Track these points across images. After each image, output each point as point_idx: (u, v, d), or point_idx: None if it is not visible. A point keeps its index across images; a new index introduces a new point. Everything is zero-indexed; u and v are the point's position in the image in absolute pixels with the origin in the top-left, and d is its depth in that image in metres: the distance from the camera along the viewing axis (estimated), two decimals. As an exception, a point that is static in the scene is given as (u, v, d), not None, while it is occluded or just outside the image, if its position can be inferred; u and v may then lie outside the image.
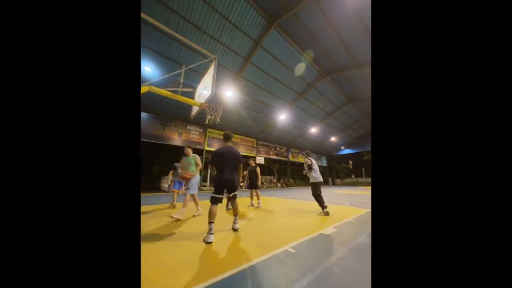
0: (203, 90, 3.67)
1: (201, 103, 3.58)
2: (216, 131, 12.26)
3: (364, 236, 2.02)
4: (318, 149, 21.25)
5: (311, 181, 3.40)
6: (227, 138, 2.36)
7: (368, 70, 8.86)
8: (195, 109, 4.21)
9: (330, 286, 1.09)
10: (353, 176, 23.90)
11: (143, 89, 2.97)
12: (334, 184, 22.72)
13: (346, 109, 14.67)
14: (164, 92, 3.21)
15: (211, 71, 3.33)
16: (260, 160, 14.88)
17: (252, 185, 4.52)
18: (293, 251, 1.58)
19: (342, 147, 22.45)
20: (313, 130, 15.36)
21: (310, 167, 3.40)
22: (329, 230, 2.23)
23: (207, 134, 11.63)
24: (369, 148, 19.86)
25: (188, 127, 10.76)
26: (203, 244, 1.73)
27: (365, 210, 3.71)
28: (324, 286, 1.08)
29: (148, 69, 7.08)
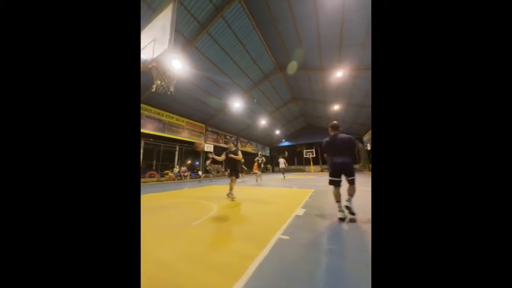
0: (149, 41, 2.57)
1: (147, 60, 2.51)
2: (154, 109, 9.72)
3: (328, 209, 2.34)
4: (264, 139, 23.08)
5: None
6: (335, 128, 2.33)
7: (313, 75, 10.39)
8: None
9: (347, 258, 1.09)
10: (287, 164, 28.59)
11: None
12: (273, 171, 26.03)
13: (290, 106, 16.72)
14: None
15: (168, 15, 2.34)
16: (209, 147, 13.84)
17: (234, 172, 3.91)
18: (286, 237, 1.49)
19: (283, 140, 25.87)
20: (263, 122, 16.29)
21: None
22: (300, 211, 2.38)
23: (141, 111, 8.96)
24: (301, 142, 24.24)
25: (108, 98, 7.69)
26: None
27: (312, 190, 4.43)
28: (341, 260, 1.07)
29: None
